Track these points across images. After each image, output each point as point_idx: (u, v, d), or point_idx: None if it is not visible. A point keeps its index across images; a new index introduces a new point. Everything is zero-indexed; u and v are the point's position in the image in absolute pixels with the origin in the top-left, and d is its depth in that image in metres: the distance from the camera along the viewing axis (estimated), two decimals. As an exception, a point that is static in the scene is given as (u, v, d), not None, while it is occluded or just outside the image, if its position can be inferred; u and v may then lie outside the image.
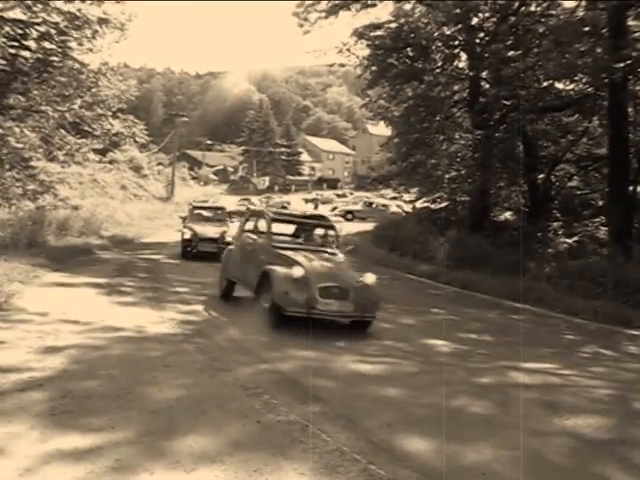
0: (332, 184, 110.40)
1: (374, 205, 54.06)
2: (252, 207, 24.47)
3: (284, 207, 46.87)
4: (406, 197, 43.43)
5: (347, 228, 36.49)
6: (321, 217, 15.31)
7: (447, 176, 28.00)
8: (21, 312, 10.84)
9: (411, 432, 6.35)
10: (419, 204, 32.67)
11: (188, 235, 22.84)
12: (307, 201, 69.71)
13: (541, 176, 27.34)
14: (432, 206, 30.92)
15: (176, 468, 5.03)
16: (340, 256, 13.05)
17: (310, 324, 10.44)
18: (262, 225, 13.90)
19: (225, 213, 27.00)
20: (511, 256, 21.32)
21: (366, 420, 6.57)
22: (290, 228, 14.82)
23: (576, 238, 24.20)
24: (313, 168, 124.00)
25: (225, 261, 14.75)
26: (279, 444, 5.68)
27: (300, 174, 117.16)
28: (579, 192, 28.00)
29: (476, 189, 26.13)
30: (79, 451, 5.19)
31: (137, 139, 28.14)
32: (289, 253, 12.08)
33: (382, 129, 46.13)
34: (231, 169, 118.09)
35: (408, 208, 37.72)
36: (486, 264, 20.75)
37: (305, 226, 14.50)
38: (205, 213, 26.25)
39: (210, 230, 23.28)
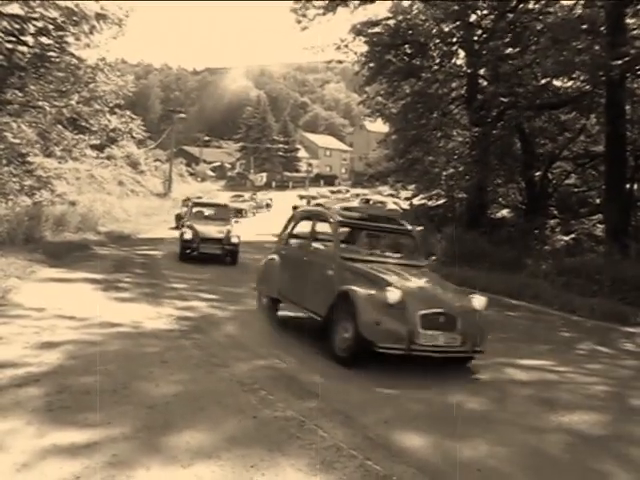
0: (329, 181, 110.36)
1: (371, 202, 54.16)
2: (306, 207, 23.09)
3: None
4: (402, 194, 43.43)
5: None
6: (395, 221, 12.24)
7: (444, 173, 28.02)
8: (18, 307, 10.82)
9: (408, 428, 6.36)
10: (416, 201, 32.68)
11: (189, 235, 20.68)
12: (302, 197, 69.65)
13: (538, 173, 27.35)
14: (429, 203, 30.94)
15: (173, 463, 5.03)
16: (431, 272, 10.90)
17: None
18: (322, 230, 11.21)
19: (229, 211, 25.00)
20: (508, 253, 21.40)
21: (363, 416, 6.58)
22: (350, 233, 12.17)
23: (573, 235, 24.27)
24: (310, 164, 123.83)
25: (265, 273, 12.28)
26: (276, 440, 5.69)
27: (297, 171, 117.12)
28: (576, 189, 28.03)
29: (473, 186, 26.15)
30: (76, 446, 5.19)
31: (134, 135, 28.10)
32: (372, 269, 9.53)
33: (380, 126, 46.13)
34: (228, 165, 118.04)
35: (405, 205, 37.72)
36: (483, 261, 20.78)
37: (377, 232, 12.06)
38: (206, 211, 24.18)
39: (213, 230, 21.31)
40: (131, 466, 4.90)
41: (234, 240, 20.97)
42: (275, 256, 12.13)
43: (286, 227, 12.44)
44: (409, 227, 12.00)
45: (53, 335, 8.91)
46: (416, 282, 9.37)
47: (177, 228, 31.21)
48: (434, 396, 7.65)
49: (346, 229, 11.54)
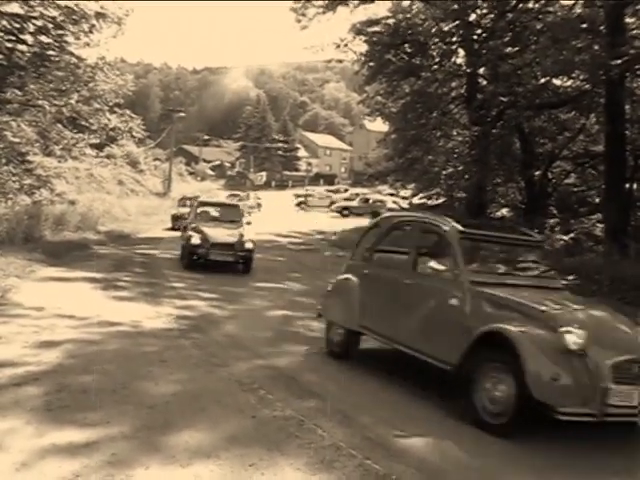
0: (329, 180, 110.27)
1: (370, 201, 54.39)
2: (397, 212, 18.86)
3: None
4: (402, 193, 43.46)
5: (342, 224, 36.62)
6: (519, 230, 9.74)
7: (444, 172, 28.01)
8: (17, 307, 10.85)
9: (407, 427, 6.35)
10: (416, 200, 32.66)
11: (196, 239, 18.50)
12: (298, 197, 69.63)
13: (538, 173, 27.32)
14: (429, 202, 30.91)
15: (172, 463, 5.04)
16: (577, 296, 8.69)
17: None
18: (426, 242, 8.85)
19: (240, 212, 22.23)
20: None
21: (362, 415, 6.59)
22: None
23: (572, 235, 24.25)
24: (310, 164, 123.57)
25: (339, 298, 9.58)
26: (275, 439, 5.70)
27: (297, 170, 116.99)
28: (576, 189, 27.99)
29: (473, 185, 26.13)
30: (75, 446, 5.19)
31: (134, 134, 28.05)
32: (522, 297, 7.17)
33: (379, 125, 46.10)
34: (228, 165, 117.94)
35: (405, 204, 37.71)
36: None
37: (504, 244, 8.91)
38: (214, 211, 21.61)
39: (224, 233, 19.13)
40: (130, 465, 4.91)
41: (248, 245, 18.80)
42: (351, 276, 9.47)
43: (363, 238, 10.14)
44: (538, 237, 9.92)
45: (52, 334, 8.93)
46: (586, 315, 7.19)
47: (173, 229, 30.87)
48: (432, 394, 7.65)
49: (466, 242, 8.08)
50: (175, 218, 33.02)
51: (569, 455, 6.08)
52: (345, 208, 53.56)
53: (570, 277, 16.61)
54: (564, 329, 6.24)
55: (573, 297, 8.20)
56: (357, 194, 65.94)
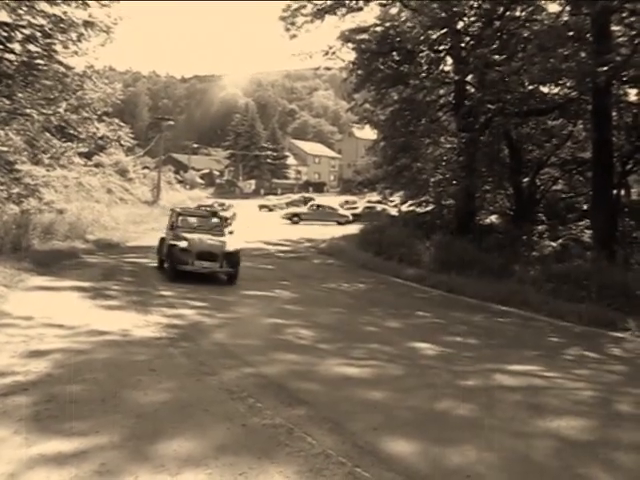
0: (318, 188, 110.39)
1: (320, 208, 55.05)
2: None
3: None
4: (391, 199, 43.56)
5: (332, 232, 36.62)
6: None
7: (432, 180, 28.12)
8: (5, 316, 10.79)
9: (396, 435, 6.36)
10: (405, 208, 32.73)
11: (183, 244, 17.78)
12: (262, 207, 69.35)
13: (526, 180, 27.45)
14: (418, 210, 30.98)
15: (161, 472, 5.03)
16: None
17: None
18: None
19: (222, 222, 21.58)
20: (497, 259, 21.45)
21: (352, 423, 6.58)
22: None
23: (561, 241, 24.35)
24: (299, 172, 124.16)
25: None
26: (264, 447, 5.69)
27: (286, 178, 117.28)
28: (564, 195, 28.14)
29: (461, 192, 26.22)
30: (63, 455, 5.18)
31: (123, 143, 28.02)
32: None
33: (368, 133, 46.24)
34: (217, 173, 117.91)
35: (394, 212, 37.77)
36: (472, 267, 20.80)
37: None
38: (194, 221, 20.81)
39: (209, 241, 18.46)
40: (119, 475, 4.90)
41: (233, 255, 18.10)
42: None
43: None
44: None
45: (41, 344, 8.89)
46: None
47: None
48: (423, 403, 7.67)
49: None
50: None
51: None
52: (295, 215, 53.90)
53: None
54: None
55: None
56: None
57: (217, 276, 18.49)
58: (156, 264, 20.53)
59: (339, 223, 50.81)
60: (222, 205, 50.68)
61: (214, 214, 22.73)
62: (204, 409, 6.66)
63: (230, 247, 18.27)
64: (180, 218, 20.31)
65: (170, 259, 17.95)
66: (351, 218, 51.57)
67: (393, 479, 5.25)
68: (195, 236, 18.57)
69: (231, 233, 22.60)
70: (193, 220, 20.76)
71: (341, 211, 55.34)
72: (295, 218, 52.61)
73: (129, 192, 51.82)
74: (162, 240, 20.27)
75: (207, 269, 17.89)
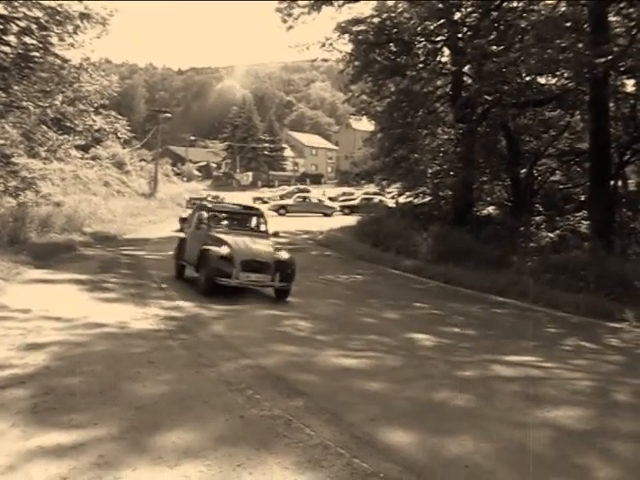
0: (315, 179, 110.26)
1: (307, 200, 55.11)
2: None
3: None
4: (389, 190, 43.56)
5: (329, 224, 36.64)
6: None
7: (430, 171, 28.12)
8: (3, 309, 10.78)
9: (394, 426, 6.38)
10: (402, 199, 32.71)
11: (224, 250, 13.94)
12: (256, 200, 68.33)
13: (523, 171, 27.44)
14: (415, 201, 30.97)
15: (160, 464, 5.03)
16: None
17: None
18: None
19: (265, 220, 16.97)
20: (494, 250, 21.47)
21: (350, 414, 6.60)
22: None
23: (558, 232, 24.37)
24: (296, 163, 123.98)
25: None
26: (263, 439, 5.70)
27: (283, 170, 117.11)
28: (561, 186, 28.12)
29: (459, 184, 26.20)
30: (62, 448, 5.18)
31: (119, 135, 27.99)
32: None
33: (365, 124, 46.27)
34: (214, 165, 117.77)
35: (391, 203, 37.77)
36: (469, 258, 20.80)
37: None
38: (230, 219, 16.97)
39: (254, 245, 14.65)
40: (118, 467, 4.90)
41: (287, 265, 14.41)
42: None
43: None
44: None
45: (39, 336, 8.88)
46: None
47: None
48: (420, 393, 7.69)
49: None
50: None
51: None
52: (282, 207, 53.89)
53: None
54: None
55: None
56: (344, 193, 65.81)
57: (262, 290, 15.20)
58: (166, 269, 17.73)
59: (325, 215, 51.10)
60: (216, 198, 48.92)
61: (253, 210, 18.28)
62: (203, 401, 6.66)
63: (283, 254, 14.61)
64: (210, 215, 16.41)
65: (206, 270, 14.00)
66: (338, 210, 52.08)
67: (391, 470, 5.26)
68: (237, 240, 14.58)
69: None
70: (227, 218, 16.93)
71: (327, 203, 55.45)
72: (281, 210, 52.60)
73: (126, 185, 51.66)
74: (182, 242, 16.85)
75: (255, 283, 14.25)
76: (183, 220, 30.58)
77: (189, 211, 31.72)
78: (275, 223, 37.11)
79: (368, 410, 6.82)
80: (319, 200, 55.66)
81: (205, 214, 16.57)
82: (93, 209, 33.29)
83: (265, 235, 15.99)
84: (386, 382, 8.02)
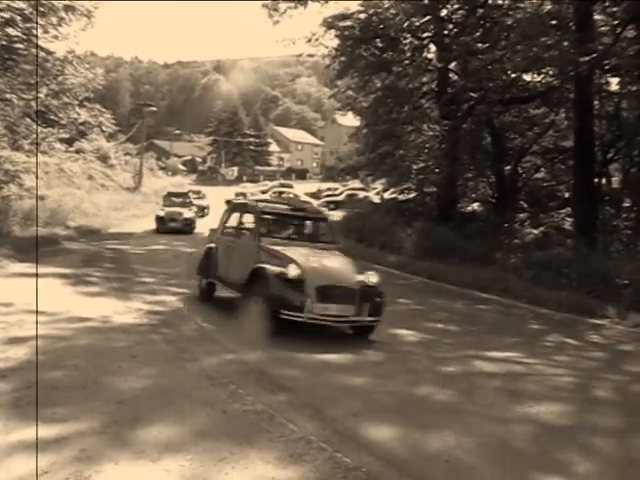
0: (301, 174, 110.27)
1: (284, 195, 55.36)
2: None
3: None
4: (374, 186, 43.65)
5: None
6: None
7: (415, 167, 28.19)
8: (-15, 303, 10.71)
9: (376, 420, 6.39)
10: (387, 195, 32.79)
11: (293, 271, 9.96)
12: (238, 195, 67.31)
13: (508, 167, 27.58)
14: (400, 197, 31.05)
15: (142, 458, 5.02)
16: None
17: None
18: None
19: (333, 228, 13.18)
20: (478, 247, 21.56)
21: (332, 409, 6.61)
22: None
23: (542, 229, 24.50)
24: (282, 158, 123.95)
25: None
26: (245, 433, 5.70)
27: (269, 164, 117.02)
28: (545, 184, 28.29)
29: (444, 180, 26.30)
30: (43, 442, 5.14)
31: (104, 128, 27.95)
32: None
33: (351, 120, 46.21)
34: (199, 159, 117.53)
35: (376, 199, 37.82)
36: (453, 255, 20.90)
37: None
38: (285, 225, 12.88)
39: (331, 264, 10.76)
40: (99, 461, 4.88)
41: (377, 291, 10.60)
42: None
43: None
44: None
45: (21, 330, 8.84)
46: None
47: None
48: (402, 388, 7.71)
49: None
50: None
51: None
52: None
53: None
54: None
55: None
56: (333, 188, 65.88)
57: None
58: (150, 263, 17.46)
59: None
60: (197, 193, 48.02)
61: (314, 212, 13.49)
62: (185, 395, 6.65)
63: (370, 275, 10.71)
64: (258, 219, 11.89)
65: (264, 299, 10.02)
66: (315, 205, 52.06)
67: (373, 464, 5.27)
68: (306, 255, 10.74)
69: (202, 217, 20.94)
70: (279, 223, 12.78)
71: (304, 198, 55.60)
72: None
73: (110, 178, 51.43)
74: (210, 254, 13.01)
75: (335, 319, 10.06)
76: (160, 219, 30.85)
77: (168, 209, 31.54)
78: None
79: (350, 405, 6.83)
80: (295, 195, 55.87)
81: (251, 217, 12.29)
82: (77, 203, 33.09)
83: (334, 247, 11.93)
84: (368, 377, 8.05)
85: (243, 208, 13.01)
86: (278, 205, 13.36)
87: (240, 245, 12.04)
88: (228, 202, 18.37)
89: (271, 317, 9.79)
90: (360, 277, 10.53)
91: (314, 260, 10.59)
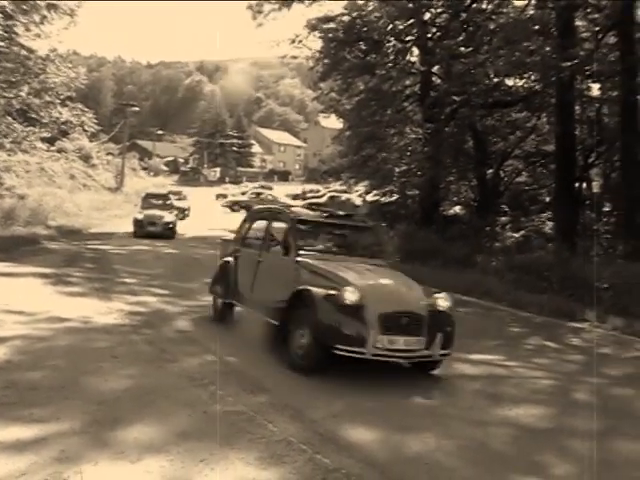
0: (283, 176, 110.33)
1: (263, 196, 55.67)
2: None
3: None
4: (356, 188, 43.67)
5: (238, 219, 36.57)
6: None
7: (397, 170, 28.26)
8: (-37, 303, 10.63)
9: (357, 423, 6.40)
10: (370, 197, 32.87)
11: (351, 295, 7.95)
12: (219, 196, 67.42)
13: (490, 171, 27.77)
14: (382, 199, 31.13)
15: (121, 458, 5.00)
16: None
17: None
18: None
19: (382, 240, 12.66)
20: (460, 250, 21.65)
21: (312, 410, 6.62)
22: None
23: (523, 232, 24.66)
24: (264, 160, 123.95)
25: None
26: (226, 434, 5.68)
27: (251, 166, 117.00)
28: (527, 187, 28.52)
29: (426, 183, 26.39)
30: (22, 443, 5.11)
31: (86, 128, 27.82)
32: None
33: (334, 122, 46.26)
34: (182, 160, 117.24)
35: (359, 202, 37.87)
36: (435, 257, 20.99)
37: None
38: (323, 239, 10.53)
39: (391, 284, 8.92)
40: (79, 462, 4.85)
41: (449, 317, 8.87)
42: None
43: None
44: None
45: (0, 330, 8.77)
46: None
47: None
48: (383, 390, 7.72)
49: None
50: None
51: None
52: (235, 203, 54.40)
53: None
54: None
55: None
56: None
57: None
58: (131, 264, 17.46)
59: None
60: (178, 194, 46.63)
61: (359, 222, 11.43)
62: (165, 396, 6.63)
63: (440, 298, 8.94)
64: (295, 229, 9.85)
65: (313, 329, 8.08)
66: (299, 207, 52.32)
67: (353, 466, 5.28)
68: (361, 275, 8.82)
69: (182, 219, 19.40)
70: (319, 234, 10.58)
71: (282, 199, 55.87)
72: (235, 207, 52.90)
73: (92, 178, 51.19)
74: (226, 268, 11.33)
75: (403, 355, 8.28)
76: (138, 223, 28.50)
77: (147, 212, 29.31)
78: (226, 220, 37.13)
79: (331, 407, 6.85)
80: (273, 197, 56.25)
81: (281, 227, 10.28)
82: (58, 202, 32.92)
83: (383, 262, 10.23)
84: (349, 379, 8.04)
85: (271, 215, 10.94)
86: (315, 214, 10.77)
87: (269, 260, 10.04)
88: (247, 208, 16.92)
89: (322, 353, 7.98)
90: (428, 300, 8.76)
91: (370, 280, 8.79)
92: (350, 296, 7.91)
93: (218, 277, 11.49)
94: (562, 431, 6.83)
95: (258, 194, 56.69)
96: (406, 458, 5.68)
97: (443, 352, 8.36)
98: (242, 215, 13.50)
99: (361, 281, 8.44)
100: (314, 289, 8.24)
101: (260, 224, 11.13)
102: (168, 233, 28.65)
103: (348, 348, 7.81)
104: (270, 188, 68.03)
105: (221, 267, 11.51)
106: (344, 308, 7.90)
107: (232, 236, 12.15)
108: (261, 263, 10.16)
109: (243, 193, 65.80)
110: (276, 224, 10.54)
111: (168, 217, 29.56)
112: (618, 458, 6.28)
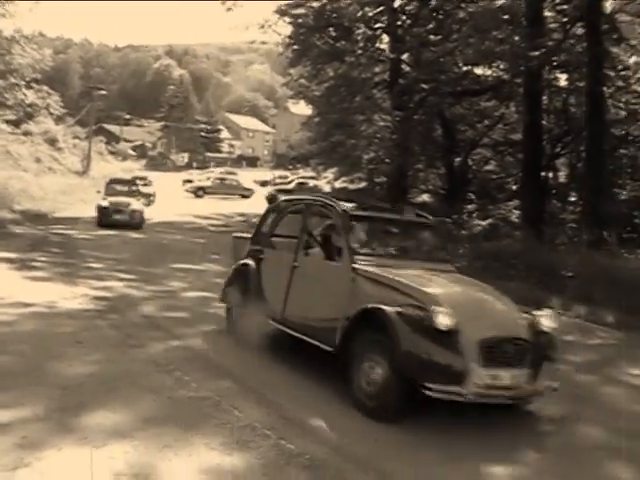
0: (251, 162, 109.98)
1: (226, 181, 55.77)
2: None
3: None
4: (325, 175, 43.68)
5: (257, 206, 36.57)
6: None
7: (366, 157, 28.31)
8: None
9: (321, 407, 6.42)
10: (338, 184, 32.92)
11: (444, 320, 6.08)
12: (185, 182, 64.90)
13: (458, 159, 27.90)
14: (350, 186, 31.18)
15: (85, 444, 4.97)
16: None
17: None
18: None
19: (443, 237, 12.69)
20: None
21: (277, 396, 6.62)
22: None
23: (490, 220, 24.84)
24: (232, 145, 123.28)
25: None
26: (191, 420, 5.69)
27: (219, 151, 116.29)
28: (494, 176, 28.68)
29: (394, 170, 26.49)
30: (-17, 428, 5.08)
31: (52, 111, 27.48)
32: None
33: (303, 108, 46.16)
34: (149, 145, 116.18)
35: (327, 188, 37.87)
36: (402, 245, 21.03)
37: None
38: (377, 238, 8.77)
39: (489, 306, 7.10)
40: (41, 447, 4.83)
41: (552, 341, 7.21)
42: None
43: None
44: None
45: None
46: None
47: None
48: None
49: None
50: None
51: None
52: (200, 188, 53.90)
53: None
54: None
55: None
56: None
57: None
58: (98, 248, 17.91)
59: (243, 197, 52.57)
60: (143, 179, 43.69)
61: (416, 216, 9.20)
62: (130, 382, 6.60)
63: (542, 317, 7.16)
64: (347, 225, 7.81)
65: (394, 362, 6.15)
66: (255, 192, 53.51)
67: (317, 451, 5.31)
68: (444, 288, 7.09)
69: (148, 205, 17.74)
70: (372, 231, 8.61)
71: (245, 185, 55.83)
72: (199, 192, 52.60)
73: (58, 162, 50.59)
74: (245, 272, 9.20)
75: (505, 393, 6.31)
76: (103, 210, 25.83)
77: (112, 199, 26.43)
78: (193, 206, 36.95)
79: (296, 392, 6.87)
80: (236, 182, 56.14)
81: (334, 223, 8.12)
82: (24, 186, 32.47)
83: (450, 267, 8.69)
84: (314, 364, 8.04)
85: (309, 208, 8.70)
86: (372, 206, 9.19)
87: (310, 266, 8.05)
88: (271, 199, 13.20)
89: (404, 392, 6.14)
90: (528, 320, 6.96)
91: (455, 293, 7.07)
92: (444, 319, 6.05)
93: (233, 283, 9.46)
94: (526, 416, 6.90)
95: (222, 179, 56.25)
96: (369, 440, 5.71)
97: (552, 386, 6.74)
98: (207, 201, 13.34)
99: (448, 296, 6.59)
100: (389, 308, 6.32)
101: (292, 219, 9.08)
102: (136, 222, 25.91)
103: (444, 388, 5.89)
104: (234, 173, 67.27)
105: (237, 271, 9.44)
106: (435, 334, 6.05)
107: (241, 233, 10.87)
108: (297, 269, 8.06)
109: (208, 178, 65.16)
110: (315, 219, 8.74)
111: (136, 204, 26.90)
112: (583, 443, 6.40)
